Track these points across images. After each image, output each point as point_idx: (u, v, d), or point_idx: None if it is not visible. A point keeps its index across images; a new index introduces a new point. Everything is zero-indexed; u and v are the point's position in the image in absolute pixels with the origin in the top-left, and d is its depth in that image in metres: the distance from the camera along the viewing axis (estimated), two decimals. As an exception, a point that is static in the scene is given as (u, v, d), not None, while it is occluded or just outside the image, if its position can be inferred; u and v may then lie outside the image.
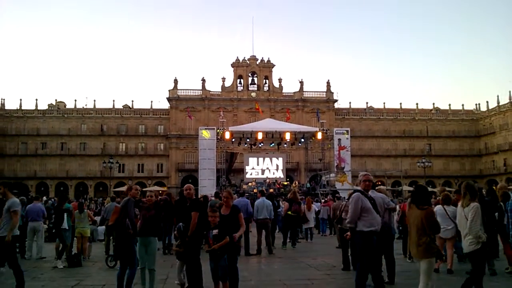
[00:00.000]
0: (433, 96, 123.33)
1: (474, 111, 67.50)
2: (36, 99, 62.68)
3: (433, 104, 67.74)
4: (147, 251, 7.20)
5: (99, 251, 12.96)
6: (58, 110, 61.92)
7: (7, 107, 61.42)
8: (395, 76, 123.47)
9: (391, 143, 62.76)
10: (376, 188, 8.56)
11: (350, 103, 64.56)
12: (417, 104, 65.56)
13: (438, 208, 9.22)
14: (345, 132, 36.59)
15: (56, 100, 65.17)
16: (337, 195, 15.30)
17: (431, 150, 63.16)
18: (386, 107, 64.99)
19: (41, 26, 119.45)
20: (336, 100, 61.79)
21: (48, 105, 64.73)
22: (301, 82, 61.29)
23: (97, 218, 17.46)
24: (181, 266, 7.28)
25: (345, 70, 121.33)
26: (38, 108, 61.13)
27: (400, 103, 65.15)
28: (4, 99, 62.37)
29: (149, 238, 7.26)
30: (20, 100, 61.34)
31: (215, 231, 6.31)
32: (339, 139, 35.60)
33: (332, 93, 61.60)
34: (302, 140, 35.53)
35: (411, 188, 41.10)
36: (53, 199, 27.84)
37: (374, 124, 63.08)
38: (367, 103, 66.37)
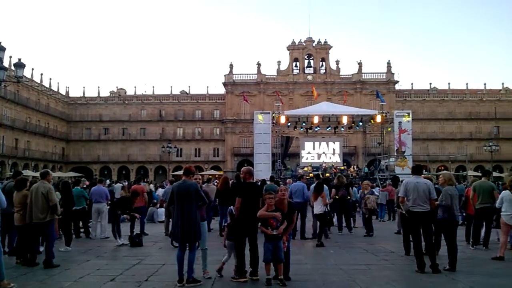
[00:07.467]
0: (503, 75, 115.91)
1: (548, 91, 62.71)
2: (98, 87, 64.60)
3: (502, 84, 63.90)
4: None
5: (159, 232, 13.40)
6: (119, 97, 64.57)
7: (71, 94, 64.74)
8: (460, 55, 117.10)
9: (456, 126, 59.90)
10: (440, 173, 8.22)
11: (412, 84, 62.45)
12: (485, 84, 62.04)
13: (505, 194, 8.91)
14: (406, 114, 35.02)
15: (117, 87, 67.95)
16: (399, 182, 14.71)
17: (499, 133, 59.68)
18: (451, 88, 62.04)
19: (100, 17, 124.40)
20: (397, 82, 59.65)
21: (110, 92, 67.50)
22: (360, 64, 59.59)
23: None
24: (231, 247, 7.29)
25: (406, 51, 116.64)
26: (100, 95, 63.93)
27: (466, 84, 62.19)
28: (68, 87, 66.16)
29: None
30: (83, 88, 65.01)
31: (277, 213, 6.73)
32: (400, 122, 34.15)
33: (393, 74, 59.44)
34: (360, 123, 34.51)
35: (477, 173, 38.91)
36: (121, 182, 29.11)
37: (437, 106, 60.44)
38: (430, 84, 63.97)
